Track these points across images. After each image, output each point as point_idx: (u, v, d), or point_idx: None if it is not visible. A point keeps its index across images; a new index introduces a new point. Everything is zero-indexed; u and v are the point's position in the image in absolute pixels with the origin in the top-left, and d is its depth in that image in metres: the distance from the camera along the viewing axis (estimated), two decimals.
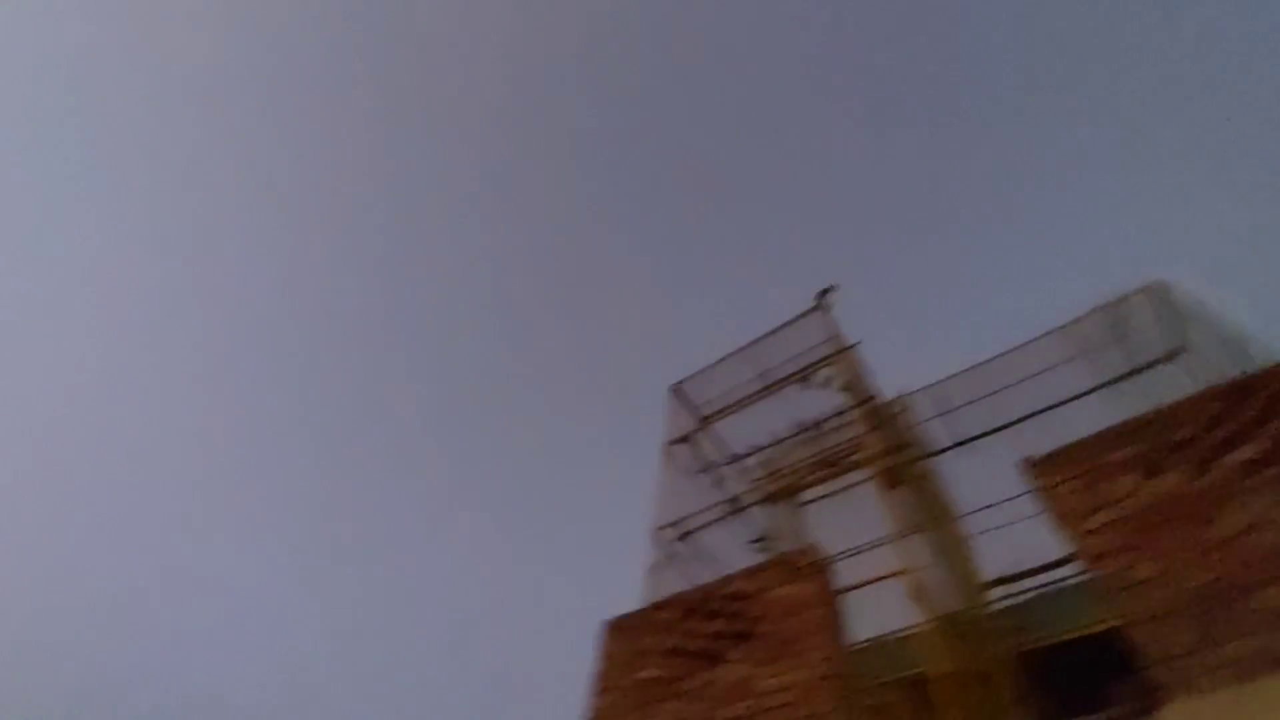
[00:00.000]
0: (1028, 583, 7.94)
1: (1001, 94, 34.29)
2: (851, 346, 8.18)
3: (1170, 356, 8.34)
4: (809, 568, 4.65)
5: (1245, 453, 3.43)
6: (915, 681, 6.04)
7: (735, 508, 7.76)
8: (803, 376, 7.84)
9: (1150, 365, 8.82)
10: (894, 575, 4.67)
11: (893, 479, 7.64)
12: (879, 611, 7.09)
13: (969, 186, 36.21)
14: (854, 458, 7.94)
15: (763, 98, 39.73)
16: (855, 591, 5.30)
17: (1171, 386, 8.27)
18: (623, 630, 5.38)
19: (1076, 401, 9.15)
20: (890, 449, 7.61)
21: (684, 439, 7.88)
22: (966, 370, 10.14)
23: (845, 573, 6.63)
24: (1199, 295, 7.61)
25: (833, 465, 7.91)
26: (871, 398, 7.93)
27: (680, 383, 8.88)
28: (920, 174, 37.25)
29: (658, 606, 5.34)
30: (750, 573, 4.97)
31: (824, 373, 7.63)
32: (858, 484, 9.84)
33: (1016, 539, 8.41)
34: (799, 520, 10.17)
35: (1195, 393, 4.17)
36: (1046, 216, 33.43)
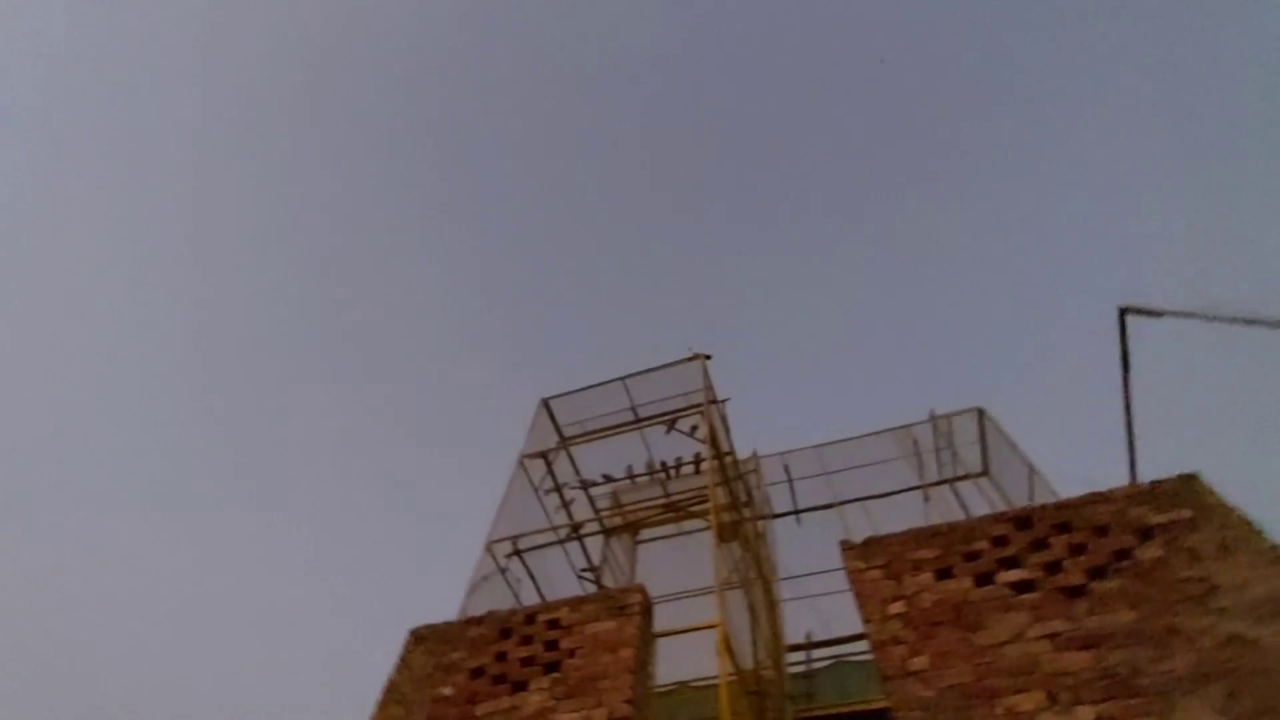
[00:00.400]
0: (820, 652, 8.57)
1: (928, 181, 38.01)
2: (720, 401, 8.53)
3: (978, 475, 9.48)
4: (632, 607, 4.71)
5: (1018, 574, 3.95)
6: None
7: (574, 534, 7.73)
8: (671, 420, 8.04)
9: (959, 478, 9.97)
10: (707, 627, 4.84)
11: (727, 533, 7.96)
12: (684, 656, 7.33)
13: (868, 269, 39.70)
14: (696, 506, 8.20)
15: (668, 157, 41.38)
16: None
17: (975, 498, 9.39)
18: (428, 641, 5.12)
19: (896, 495, 10.13)
20: (731, 505, 7.95)
21: (541, 455, 7.78)
22: (813, 446, 10.93)
23: (666, 615, 6.78)
24: (1010, 424, 8.75)
25: (675, 510, 8.13)
26: (728, 453, 8.28)
27: (549, 398, 8.79)
28: (823, 253, 40.36)
29: (472, 622, 5.15)
30: (574, 603, 4.94)
31: (690, 421, 7.88)
32: (694, 531, 10.18)
33: (822, 609, 9.07)
34: (632, 557, 10.30)
35: (989, 514, 4.75)
36: (908, 328, 37.39)
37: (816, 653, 8.48)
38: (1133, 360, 4.21)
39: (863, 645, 8.37)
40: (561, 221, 43.18)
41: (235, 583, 34.60)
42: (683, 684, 7.94)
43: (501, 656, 4.73)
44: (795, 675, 7.85)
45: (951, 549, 4.29)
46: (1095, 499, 4.24)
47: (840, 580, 9.46)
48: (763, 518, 9.68)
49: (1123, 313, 4.12)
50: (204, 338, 38.17)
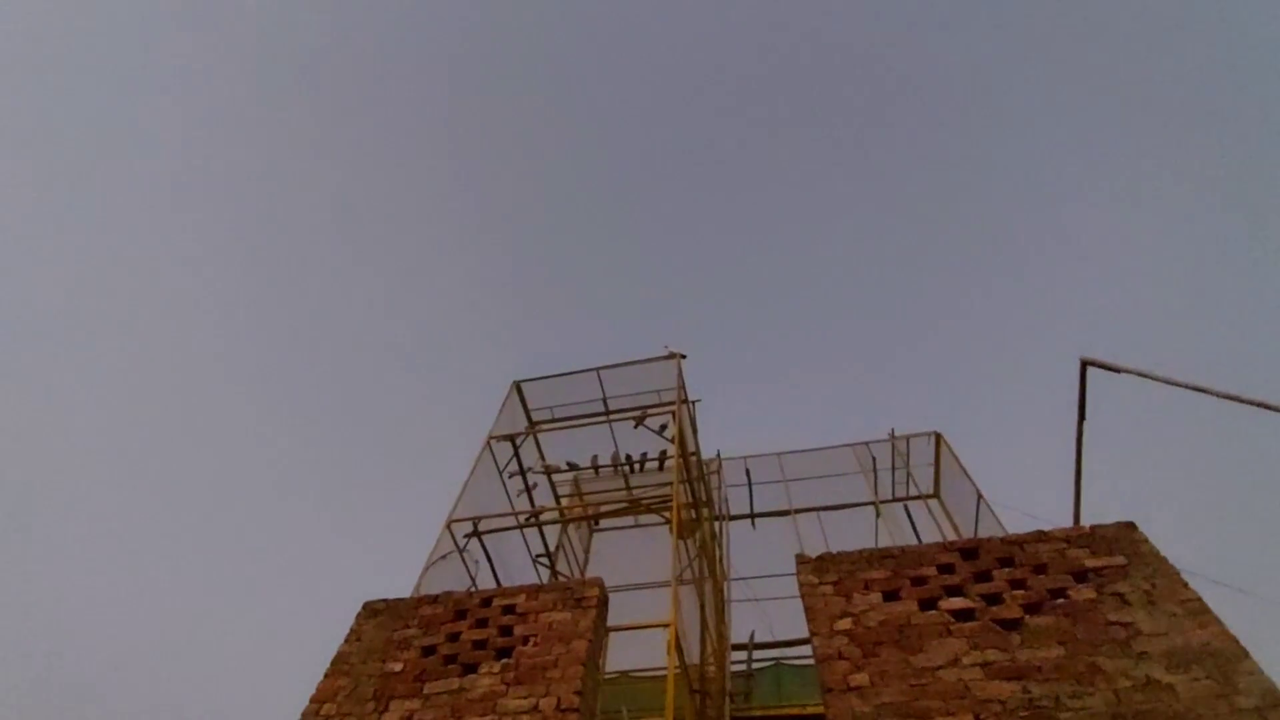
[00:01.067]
0: (760, 653, 8.82)
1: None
2: (690, 401, 8.63)
3: (929, 496, 9.81)
4: (589, 600, 4.80)
5: (960, 602, 4.15)
6: None
7: (534, 519, 7.78)
8: (640, 415, 8.13)
9: (911, 498, 10.31)
10: (660, 625, 4.96)
11: (685, 530, 8.10)
12: (629, 645, 7.48)
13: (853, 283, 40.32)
14: (654, 501, 8.32)
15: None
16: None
17: (924, 518, 9.72)
18: (380, 615, 5.13)
19: (850, 508, 10.43)
20: (693, 503, 8.09)
21: (509, 437, 7.79)
22: (774, 453, 11.15)
23: (617, 604, 6.89)
24: (965, 452, 9.07)
25: (635, 503, 8.24)
26: (693, 453, 8.41)
27: (522, 381, 8.79)
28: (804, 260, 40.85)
29: (427, 600, 5.17)
30: (532, 591, 5.00)
31: (660, 420, 7.97)
32: (650, 525, 10.32)
33: (767, 611, 9.31)
34: (588, 545, 10.40)
35: (939, 542, 4.95)
36: (878, 349, 38.20)
37: (757, 654, 8.73)
38: (1090, 409, 4.45)
39: (802, 650, 8.65)
40: (552, 217, 42.96)
41: (193, 547, 33.97)
42: (624, 674, 8.11)
43: (454, 637, 4.77)
44: (735, 674, 8.07)
45: (900, 572, 4.48)
46: (1039, 537, 4.46)
47: (787, 585, 9.71)
48: (720, 519, 9.87)
49: (1084, 364, 4.35)
50: (174, 319, 37.11)
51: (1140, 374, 4.01)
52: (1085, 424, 4.49)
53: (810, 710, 6.72)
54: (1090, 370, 4.35)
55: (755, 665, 8.46)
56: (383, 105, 39.93)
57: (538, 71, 40.41)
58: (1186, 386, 3.76)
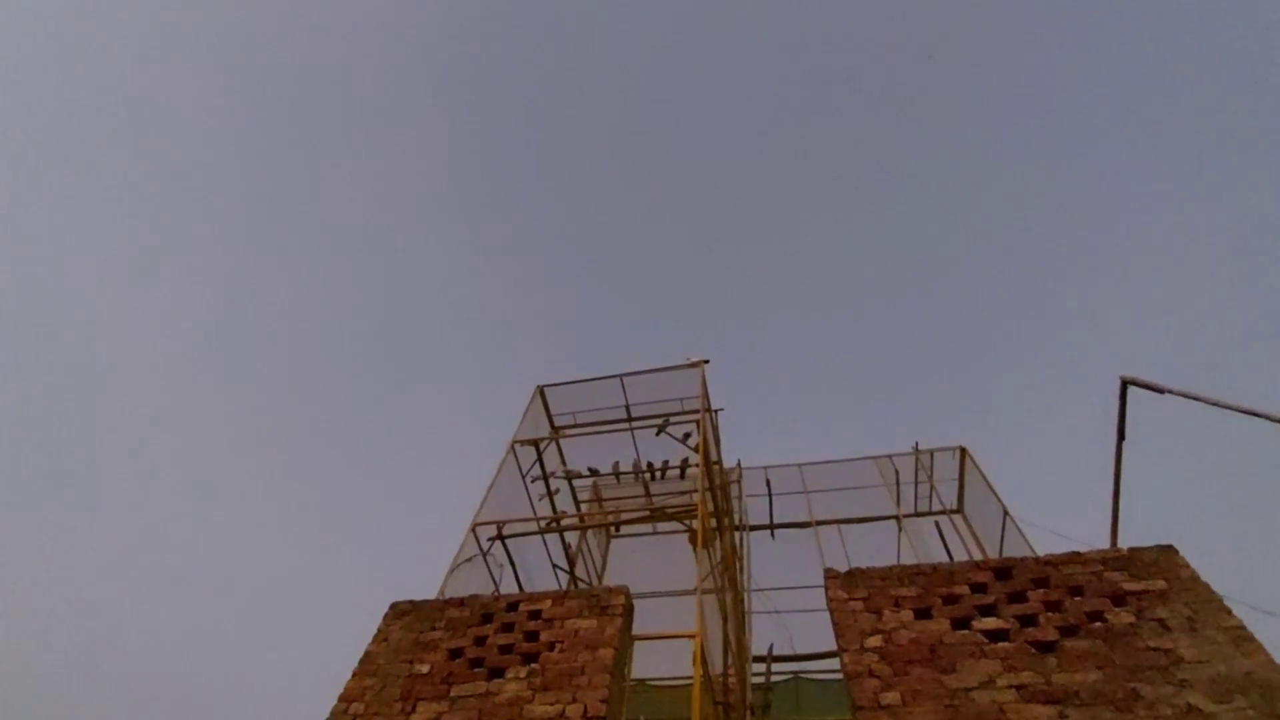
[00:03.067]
0: (779, 666, 8.75)
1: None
2: (713, 410, 8.62)
3: (953, 511, 9.69)
4: (615, 608, 4.80)
5: (994, 622, 4.09)
6: None
7: (555, 524, 7.80)
8: (663, 422, 8.12)
9: (935, 513, 10.18)
10: (686, 636, 4.94)
11: (704, 539, 8.07)
12: (649, 654, 7.45)
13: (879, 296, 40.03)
14: (676, 509, 8.30)
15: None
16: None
17: (947, 533, 9.59)
18: (407, 616, 5.17)
19: (871, 522, 10.32)
20: (713, 513, 8.06)
21: (533, 442, 7.82)
22: (796, 464, 11.09)
23: (636, 612, 6.86)
24: (995, 469, 8.95)
25: (655, 510, 8.23)
26: (716, 462, 8.38)
27: (545, 386, 8.83)
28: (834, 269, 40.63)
29: (453, 603, 5.20)
30: (558, 597, 5.01)
31: (684, 428, 7.96)
32: (670, 533, 10.29)
33: (787, 623, 9.24)
34: (605, 551, 10.39)
35: (971, 560, 4.89)
36: (907, 361, 37.82)
37: (775, 667, 8.66)
38: (1130, 430, 4.38)
39: (822, 664, 8.57)
40: (579, 223, 43.25)
41: (222, 548, 34.55)
42: (641, 682, 8.08)
43: (481, 641, 4.79)
44: (753, 686, 8.01)
45: (932, 590, 4.43)
46: (1074, 559, 4.39)
47: (807, 598, 9.65)
48: (742, 529, 9.83)
49: (1125, 384, 4.27)
50: (205, 318, 37.91)
51: (1185, 395, 3.93)
52: (1124, 444, 4.42)
53: None
54: (1132, 391, 4.29)
55: (774, 678, 8.39)
56: (412, 109, 40.51)
57: (571, 76, 40.75)
58: (1234, 409, 3.68)
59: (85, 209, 35.08)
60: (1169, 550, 4.24)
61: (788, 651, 8.79)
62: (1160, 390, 4.06)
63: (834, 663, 8.31)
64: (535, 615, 4.91)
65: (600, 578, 9.82)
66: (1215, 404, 3.79)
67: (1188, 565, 4.09)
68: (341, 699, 4.57)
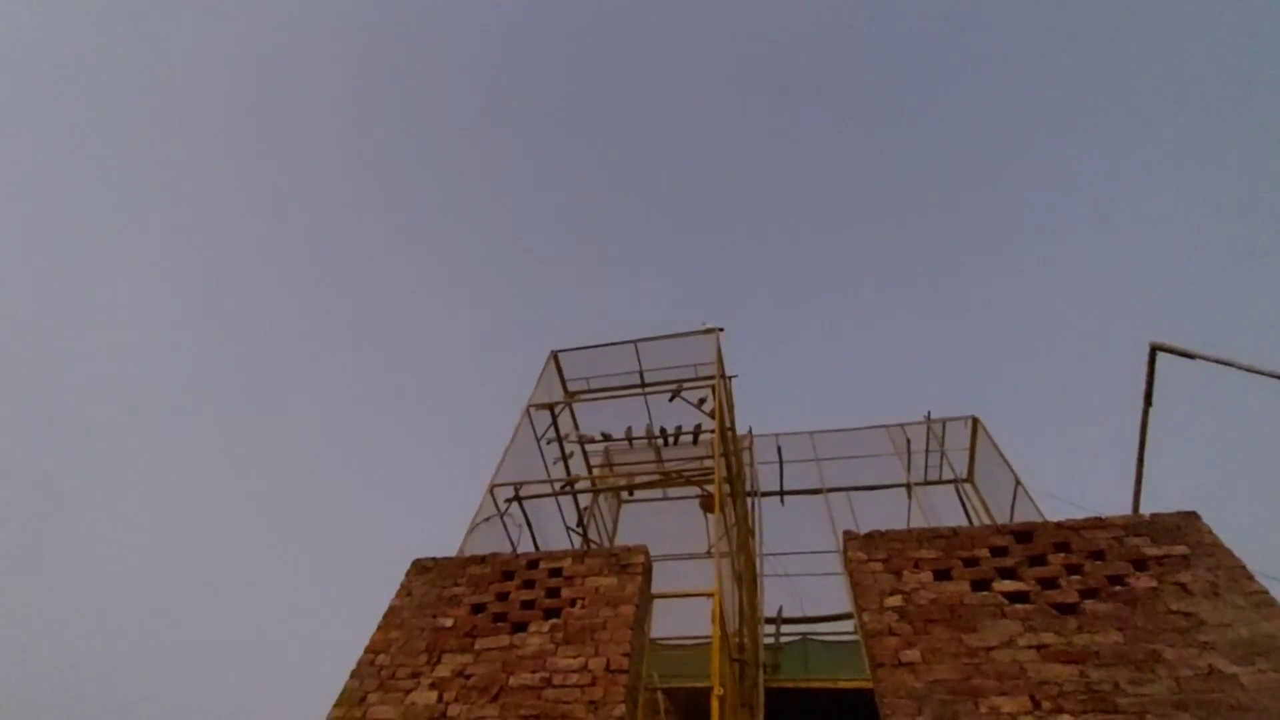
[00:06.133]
0: (788, 628, 8.90)
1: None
2: (729, 377, 8.61)
3: (962, 480, 9.73)
4: (635, 567, 4.85)
5: (1014, 584, 4.12)
6: (680, 691, 6.53)
7: (569, 486, 7.86)
8: (677, 388, 8.12)
9: (944, 481, 10.22)
10: (705, 594, 5.01)
11: (716, 504, 8.14)
12: (661, 615, 7.58)
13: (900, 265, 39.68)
14: (692, 474, 8.34)
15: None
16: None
17: (956, 502, 9.64)
18: (430, 573, 5.25)
19: (882, 489, 10.39)
20: (727, 478, 8.10)
21: (548, 406, 7.84)
22: (807, 432, 11.12)
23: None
24: (1008, 437, 8.96)
25: (672, 475, 8.28)
26: (729, 428, 8.40)
27: (560, 351, 8.82)
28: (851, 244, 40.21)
29: (474, 560, 5.27)
30: (577, 555, 5.07)
31: (699, 394, 7.96)
32: (681, 498, 10.37)
33: (796, 587, 9.38)
34: (616, 514, 10.49)
35: (991, 524, 4.91)
36: (923, 329, 37.58)
37: (785, 628, 8.81)
38: (1156, 396, 4.34)
39: (830, 626, 8.71)
40: (599, 199, 42.82)
41: (249, 500, 35.19)
42: (654, 641, 8.25)
43: (503, 596, 4.87)
44: (764, 647, 8.17)
45: (952, 553, 4.46)
46: (1096, 524, 4.40)
47: (816, 562, 9.75)
48: (753, 494, 9.90)
49: (1154, 349, 4.22)
50: (227, 275, 37.86)
51: (1216, 360, 3.89)
52: (1151, 411, 4.39)
53: (843, 684, 6.79)
54: (1161, 356, 4.24)
55: (783, 639, 8.55)
56: (425, 78, 39.77)
57: (585, 45, 39.88)
58: (1265, 374, 3.64)
59: (86, 208, 35.07)
60: (1191, 516, 4.24)
61: (796, 614, 8.93)
62: (1190, 356, 4.01)
63: (841, 625, 8.46)
64: (556, 573, 4.97)
65: (611, 540, 9.94)
66: (1247, 369, 3.75)
67: (1210, 531, 4.10)
68: (368, 650, 4.66)
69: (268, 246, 39.04)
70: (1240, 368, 3.78)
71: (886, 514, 9.93)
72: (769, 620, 8.39)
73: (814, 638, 8.71)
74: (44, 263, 33.58)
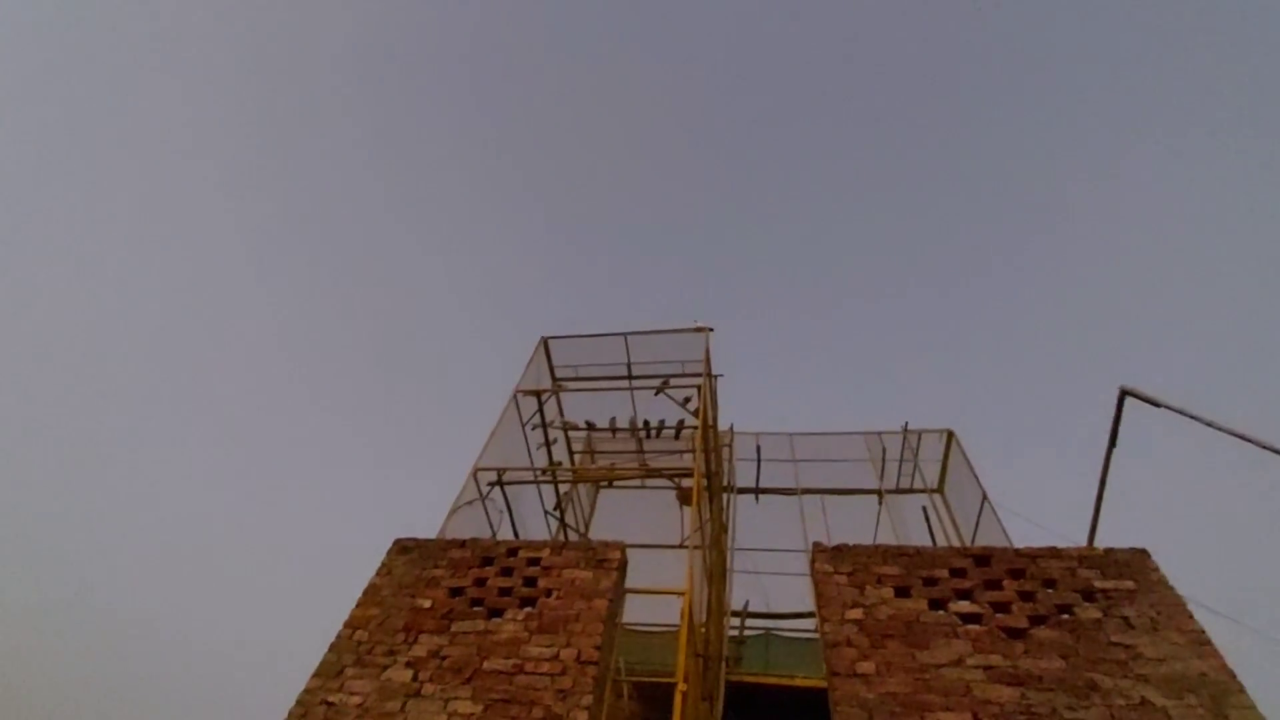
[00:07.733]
0: (752, 622, 9.18)
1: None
2: (713, 375, 8.75)
3: (933, 490, 10.00)
4: (611, 562, 5.02)
5: (969, 606, 4.34)
6: (645, 683, 6.75)
7: (550, 474, 8.01)
8: (663, 383, 8.26)
9: (915, 490, 10.50)
10: (677, 593, 5.19)
11: (697, 500, 8.34)
12: (632, 601, 7.79)
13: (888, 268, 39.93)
14: (672, 470, 8.53)
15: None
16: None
17: (929, 512, 9.92)
18: (412, 553, 5.38)
19: (855, 494, 10.65)
20: (706, 474, 8.29)
21: (535, 392, 7.95)
22: (786, 433, 11.33)
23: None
24: (972, 448, 9.23)
25: (656, 471, 8.45)
26: (711, 426, 8.57)
27: (550, 338, 8.91)
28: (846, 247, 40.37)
29: (455, 544, 5.41)
30: (556, 546, 5.22)
31: (684, 391, 8.10)
32: (659, 489, 10.56)
33: (763, 583, 9.64)
34: (593, 502, 10.67)
35: (953, 547, 5.13)
36: (904, 341, 37.98)
37: (749, 622, 9.09)
38: (1121, 438, 4.55)
39: (793, 624, 9.00)
40: (587, 187, 42.49)
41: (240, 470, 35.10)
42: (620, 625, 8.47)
43: (481, 582, 5.02)
44: (728, 639, 8.43)
45: (914, 571, 4.67)
46: (1052, 553, 4.63)
47: (785, 561, 10.00)
48: (729, 490, 10.12)
49: (1123, 393, 4.42)
50: (216, 270, 37.29)
51: (1180, 412, 4.09)
52: (1115, 451, 4.60)
53: (799, 682, 7.05)
54: (1129, 401, 4.44)
55: (747, 632, 8.82)
56: (424, 62, 39.06)
57: (581, 38, 39.33)
58: (1226, 431, 3.85)
59: (84, 208, 34.42)
60: (1142, 553, 4.47)
61: (762, 609, 9.21)
62: (1156, 404, 4.21)
63: (804, 623, 8.74)
64: (534, 562, 5.12)
65: (588, 527, 10.13)
66: (1209, 425, 3.95)
67: (1158, 569, 4.34)
68: (347, 625, 4.80)
69: (254, 230, 38.42)
70: (1202, 422, 3.99)
71: (858, 519, 10.21)
72: (735, 613, 8.65)
73: (777, 633, 9.00)
74: (41, 256, 33.05)
